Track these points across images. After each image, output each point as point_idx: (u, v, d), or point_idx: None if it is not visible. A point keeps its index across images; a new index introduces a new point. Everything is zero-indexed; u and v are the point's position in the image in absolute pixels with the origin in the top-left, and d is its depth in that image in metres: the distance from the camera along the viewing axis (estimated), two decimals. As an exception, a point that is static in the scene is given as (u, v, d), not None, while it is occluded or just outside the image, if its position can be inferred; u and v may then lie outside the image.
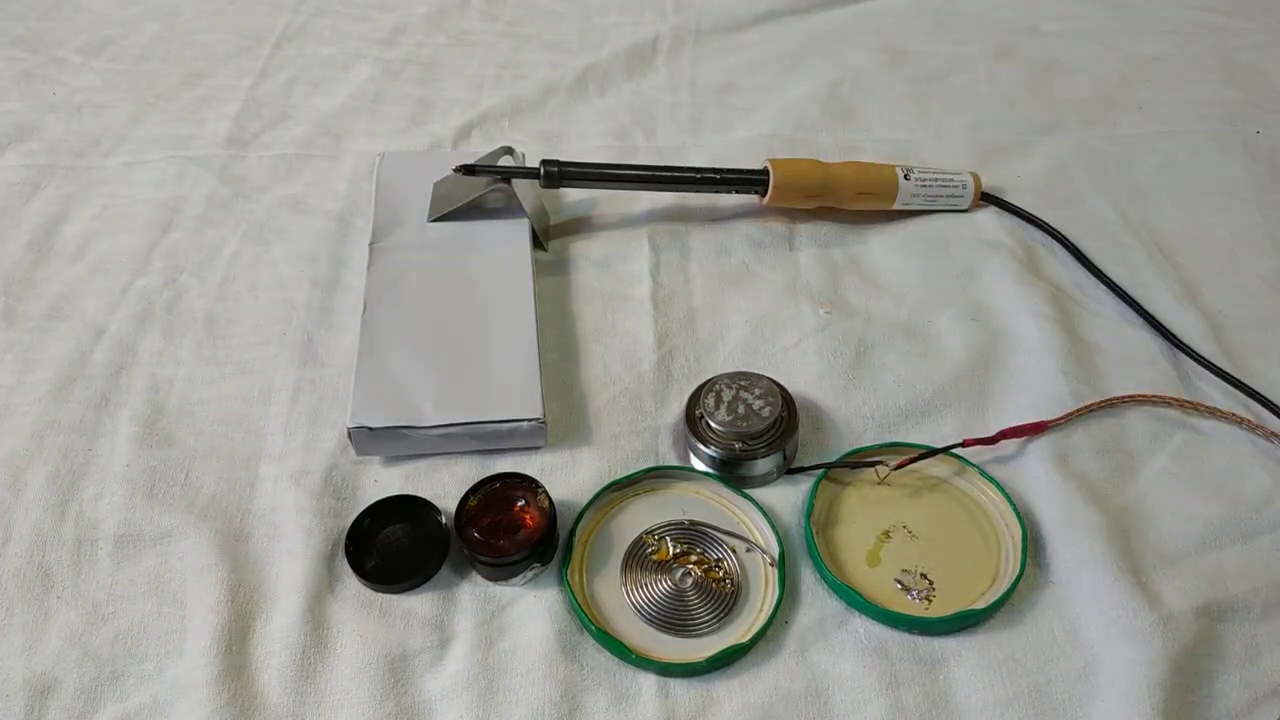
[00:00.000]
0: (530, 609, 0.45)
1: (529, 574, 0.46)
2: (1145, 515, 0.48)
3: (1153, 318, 0.58)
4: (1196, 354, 0.56)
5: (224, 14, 0.87)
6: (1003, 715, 0.42)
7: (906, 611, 0.44)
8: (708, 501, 0.49)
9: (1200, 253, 0.64)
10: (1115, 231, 0.65)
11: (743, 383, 0.51)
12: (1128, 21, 0.88)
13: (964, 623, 0.44)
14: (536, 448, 0.51)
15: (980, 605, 0.44)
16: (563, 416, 0.53)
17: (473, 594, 0.46)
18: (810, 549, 0.46)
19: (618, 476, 0.50)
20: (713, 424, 0.49)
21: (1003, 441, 0.51)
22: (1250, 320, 0.59)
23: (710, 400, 0.50)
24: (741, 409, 0.49)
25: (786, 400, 0.51)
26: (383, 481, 0.50)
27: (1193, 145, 0.73)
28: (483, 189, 0.60)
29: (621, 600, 0.45)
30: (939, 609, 0.44)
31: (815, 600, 0.45)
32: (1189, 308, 0.59)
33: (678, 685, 0.43)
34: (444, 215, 0.61)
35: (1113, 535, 0.46)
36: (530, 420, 0.49)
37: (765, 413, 0.49)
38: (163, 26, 0.86)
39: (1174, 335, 0.57)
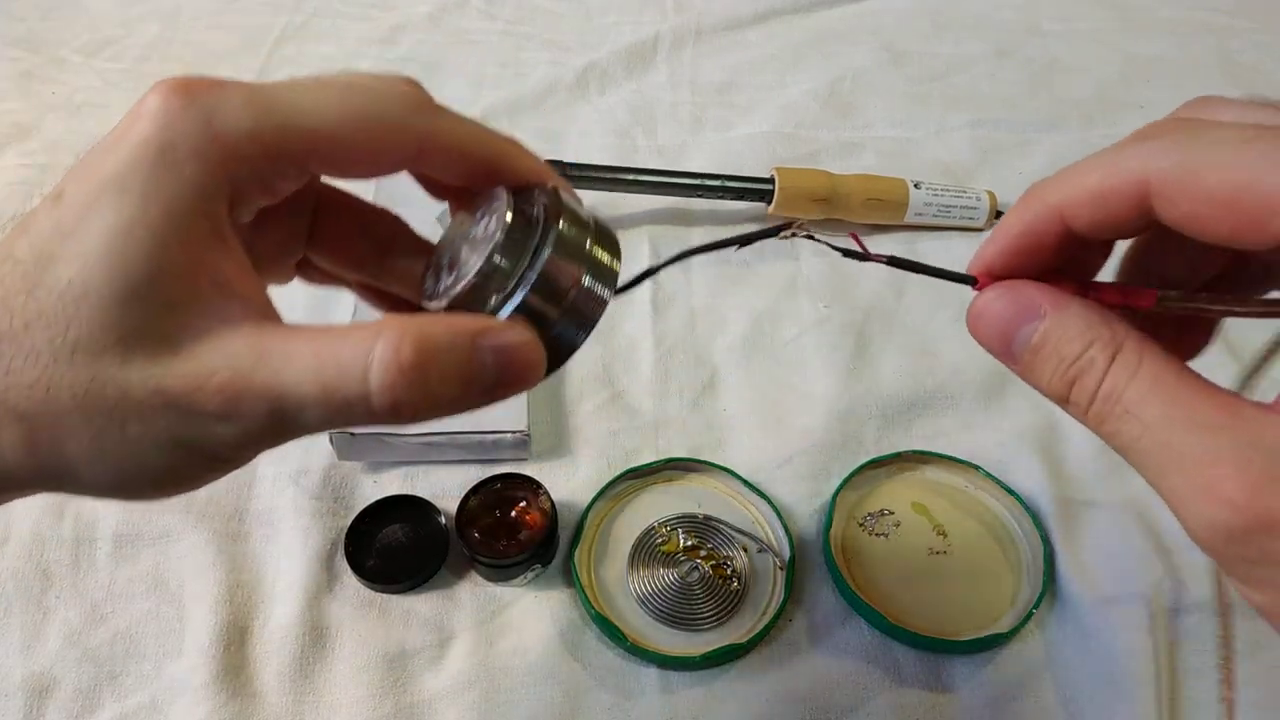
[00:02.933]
0: (531, 609, 0.45)
1: (530, 575, 0.46)
2: (1145, 508, 0.48)
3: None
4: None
5: (224, 14, 0.87)
6: (1005, 710, 0.42)
7: (927, 633, 0.43)
8: (724, 497, 0.49)
9: (1202, 252, 0.64)
10: (1116, 230, 0.65)
11: None
12: (1128, 21, 0.88)
13: (987, 645, 0.43)
14: (522, 459, 0.51)
15: (1004, 629, 0.43)
16: (561, 417, 0.53)
17: (473, 594, 0.45)
18: (829, 564, 0.46)
19: (633, 465, 0.49)
20: None
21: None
22: (1252, 319, 0.59)
23: None
24: None
25: None
26: (382, 482, 0.50)
27: (1194, 144, 0.73)
28: None
29: (626, 589, 0.45)
30: (961, 628, 0.44)
31: (820, 599, 0.45)
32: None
33: (680, 684, 0.42)
34: None
35: (1115, 531, 0.46)
36: (514, 433, 0.49)
37: None
38: (163, 26, 0.85)
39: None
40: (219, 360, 0.22)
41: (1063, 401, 0.24)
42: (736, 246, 0.27)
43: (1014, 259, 0.25)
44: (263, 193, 0.25)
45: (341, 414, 0.22)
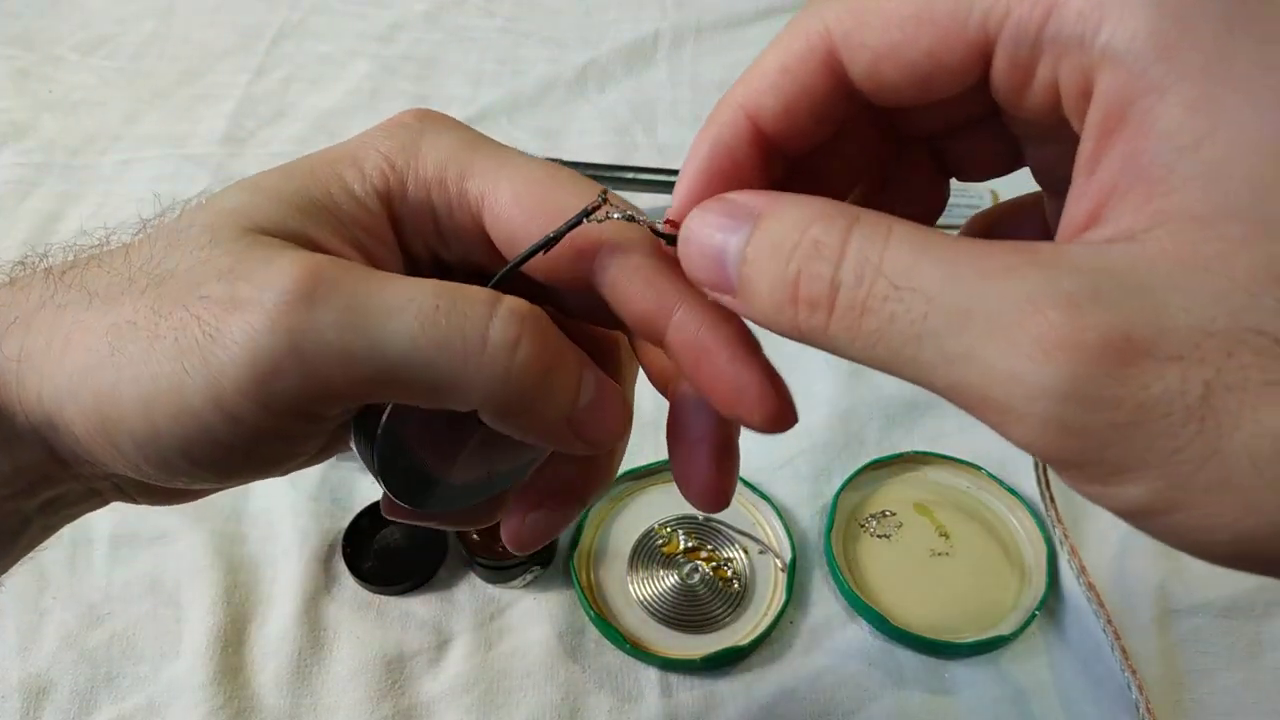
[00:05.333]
0: (530, 611, 0.45)
1: (528, 576, 0.45)
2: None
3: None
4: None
5: (220, 11, 0.87)
6: (1007, 713, 0.41)
7: (929, 635, 0.43)
8: (724, 498, 0.49)
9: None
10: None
11: None
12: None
13: (990, 648, 0.43)
14: None
15: (1007, 631, 0.43)
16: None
17: (471, 596, 0.45)
18: (831, 566, 0.46)
19: (633, 465, 0.49)
20: None
21: None
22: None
23: None
24: None
25: None
26: (381, 481, 0.50)
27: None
28: None
29: (626, 591, 0.45)
30: (963, 630, 0.43)
31: (821, 600, 0.45)
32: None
33: (680, 686, 0.42)
34: None
35: (1117, 532, 0.46)
36: None
37: None
38: (159, 24, 0.85)
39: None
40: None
41: (791, 310, 0.17)
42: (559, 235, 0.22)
43: (709, 191, 0.20)
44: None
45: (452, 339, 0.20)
